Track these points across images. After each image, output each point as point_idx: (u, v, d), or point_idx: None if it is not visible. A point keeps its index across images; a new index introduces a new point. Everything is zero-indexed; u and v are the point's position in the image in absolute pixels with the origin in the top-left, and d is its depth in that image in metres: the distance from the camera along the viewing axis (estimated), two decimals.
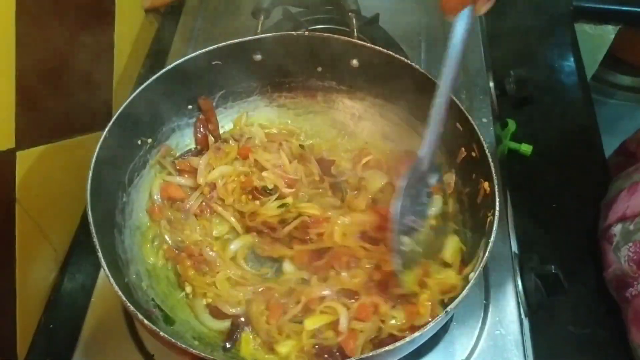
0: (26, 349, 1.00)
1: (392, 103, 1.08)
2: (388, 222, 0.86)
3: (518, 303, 1.01)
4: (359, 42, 1.04)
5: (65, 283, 1.05)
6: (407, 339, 0.73)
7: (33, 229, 1.02)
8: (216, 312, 0.93)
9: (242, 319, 0.92)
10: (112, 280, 0.76)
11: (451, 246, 0.94)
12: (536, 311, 1.01)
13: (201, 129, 1.10)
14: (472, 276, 0.79)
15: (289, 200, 1.01)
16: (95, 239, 0.79)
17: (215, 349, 0.90)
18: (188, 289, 0.95)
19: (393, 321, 0.89)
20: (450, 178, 1.01)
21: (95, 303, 1.01)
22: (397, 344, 0.73)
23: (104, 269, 0.77)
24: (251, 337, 0.91)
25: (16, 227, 0.97)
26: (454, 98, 0.91)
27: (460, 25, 0.78)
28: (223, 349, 0.90)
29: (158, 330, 0.73)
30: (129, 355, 0.95)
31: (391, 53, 1.00)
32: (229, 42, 1.01)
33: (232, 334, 0.91)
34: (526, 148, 1.23)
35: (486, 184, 0.90)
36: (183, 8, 1.49)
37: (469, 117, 0.93)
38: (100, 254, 0.78)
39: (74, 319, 0.99)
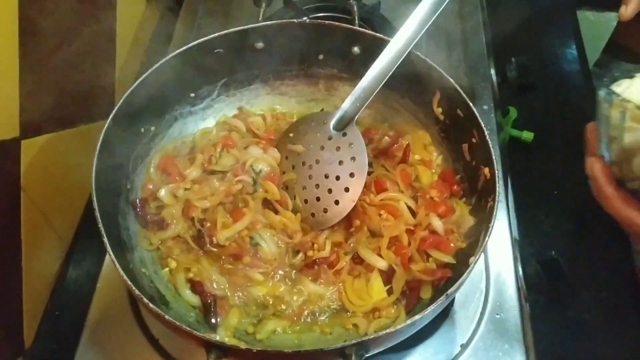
0: (33, 335, 1.01)
1: (393, 90, 1.08)
2: None
3: (518, 288, 1.02)
4: (360, 29, 1.05)
5: (70, 270, 1.06)
6: (408, 322, 0.74)
7: (38, 217, 1.03)
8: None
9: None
10: (117, 265, 0.77)
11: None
12: (536, 296, 1.02)
13: None
14: (473, 260, 0.80)
15: None
16: (100, 225, 0.80)
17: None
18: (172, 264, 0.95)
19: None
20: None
21: (100, 289, 1.02)
22: (398, 326, 0.74)
23: (110, 254, 0.78)
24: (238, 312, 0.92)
25: (22, 216, 0.98)
26: (453, 81, 0.93)
27: None
28: (209, 325, 0.89)
29: (163, 313, 0.74)
30: (135, 339, 0.96)
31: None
32: (231, 30, 1.02)
33: (207, 307, 0.90)
34: (527, 135, 1.23)
35: (486, 170, 0.90)
36: None
37: (470, 103, 0.93)
38: (105, 239, 0.79)
39: (79, 305, 1.01)
